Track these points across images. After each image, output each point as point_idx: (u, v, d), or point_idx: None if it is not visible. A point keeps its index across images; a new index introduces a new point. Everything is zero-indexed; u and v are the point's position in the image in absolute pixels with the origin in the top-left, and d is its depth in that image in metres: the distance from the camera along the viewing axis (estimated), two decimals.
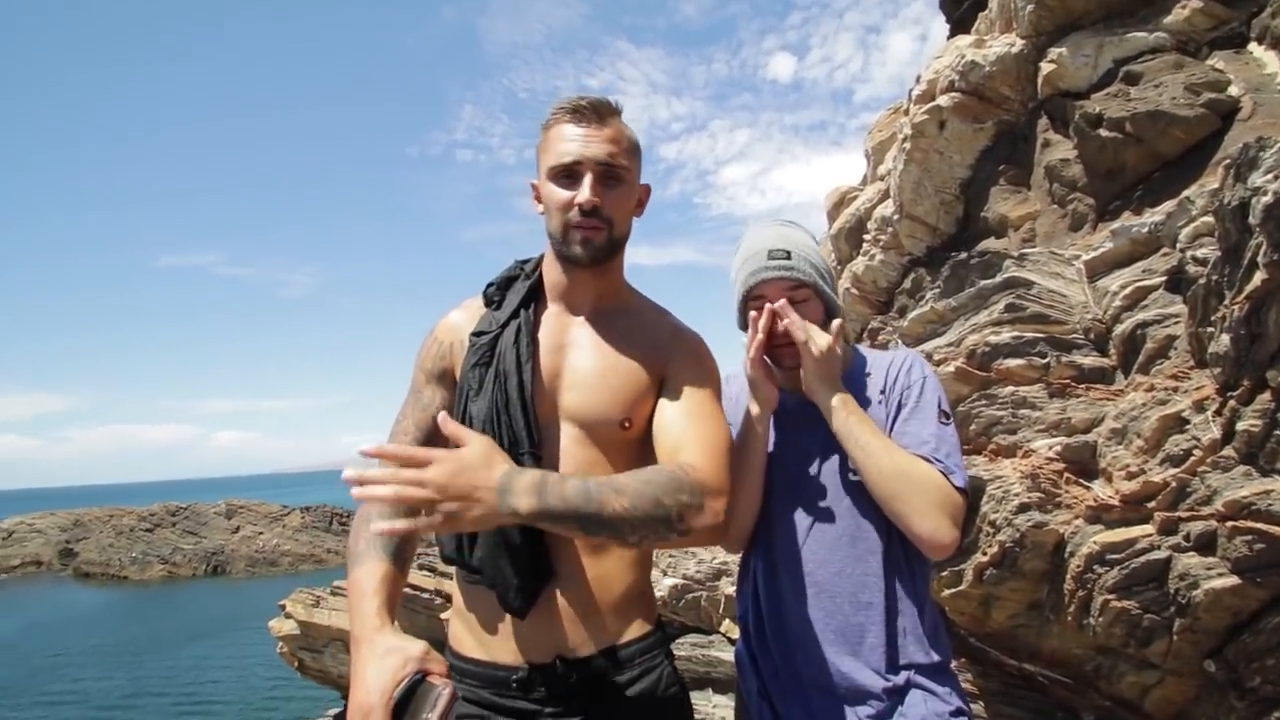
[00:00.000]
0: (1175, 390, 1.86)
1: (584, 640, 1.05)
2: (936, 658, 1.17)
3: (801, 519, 1.23)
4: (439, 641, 1.14)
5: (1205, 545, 1.74)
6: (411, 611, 4.11)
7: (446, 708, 0.84)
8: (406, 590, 4.62)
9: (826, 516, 1.21)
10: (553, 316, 1.17)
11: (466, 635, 1.11)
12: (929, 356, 2.38)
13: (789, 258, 1.24)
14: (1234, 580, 1.69)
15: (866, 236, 3.88)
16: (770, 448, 1.28)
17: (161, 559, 28.66)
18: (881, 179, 3.98)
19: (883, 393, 1.24)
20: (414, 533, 0.87)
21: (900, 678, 1.15)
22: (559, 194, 1.09)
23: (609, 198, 1.10)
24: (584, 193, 1.07)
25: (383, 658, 0.86)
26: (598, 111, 1.11)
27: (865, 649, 1.15)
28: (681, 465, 1.00)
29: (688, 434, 1.07)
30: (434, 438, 1.13)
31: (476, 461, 0.84)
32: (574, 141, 1.09)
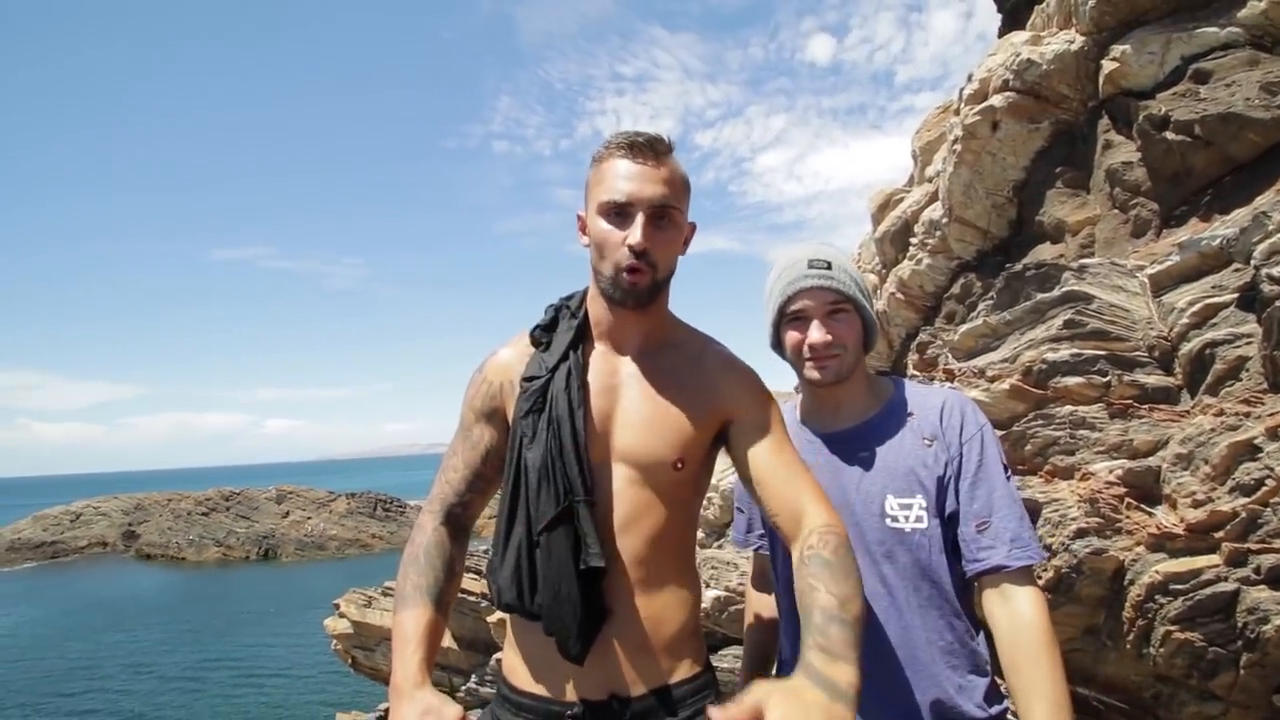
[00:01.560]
0: (1247, 415, 1.79)
1: (637, 679, 1.06)
2: (994, 712, 1.12)
3: None
4: (485, 642, 1.18)
5: (1276, 579, 1.67)
6: (459, 614, 4.22)
7: None
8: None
9: (864, 559, 1.15)
10: (600, 357, 1.16)
11: (521, 668, 1.12)
12: (981, 372, 2.32)
13: (829, 268, 1.20)
14: None
15: (913, 240, 3.79)
16: None
17: (216, 542, 29.97)
18: (929, 180, 3.88)
19: (930, 440, 1.18)
20: None
21: None
22: (610, 232, 1.08)
23: (658, 239, 1.09)
24: (635, 234, 1.06)
25: (421, 716, 0.90)
26: (654, 149, 1.09)
27: (913, 704, 1.11)
28: (833, 528, 1.01)
29: (796, 486, 1.07)
30: (481, 476, 1.18)
31: (793, 706, 0.78)
32: (628, 180, 1.07)
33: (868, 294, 1.26)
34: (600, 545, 1.04)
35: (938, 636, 1.13)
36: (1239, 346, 1.90)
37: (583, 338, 1.17)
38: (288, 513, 30.60)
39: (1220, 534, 1.77)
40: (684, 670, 1.10)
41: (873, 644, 1.14)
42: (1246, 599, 1.71)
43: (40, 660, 16.74)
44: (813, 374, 1.23)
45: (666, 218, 1.09)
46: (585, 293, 1.21)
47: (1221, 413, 1.83)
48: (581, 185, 1.16)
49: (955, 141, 3.41)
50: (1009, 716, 1.16)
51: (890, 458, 1.19)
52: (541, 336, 1.18)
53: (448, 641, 4.21)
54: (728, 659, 3.40)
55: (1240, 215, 2.14)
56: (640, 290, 1.09)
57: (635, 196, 1.06)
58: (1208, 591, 1.77)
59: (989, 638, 1.15)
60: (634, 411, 1.12)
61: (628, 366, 1.16)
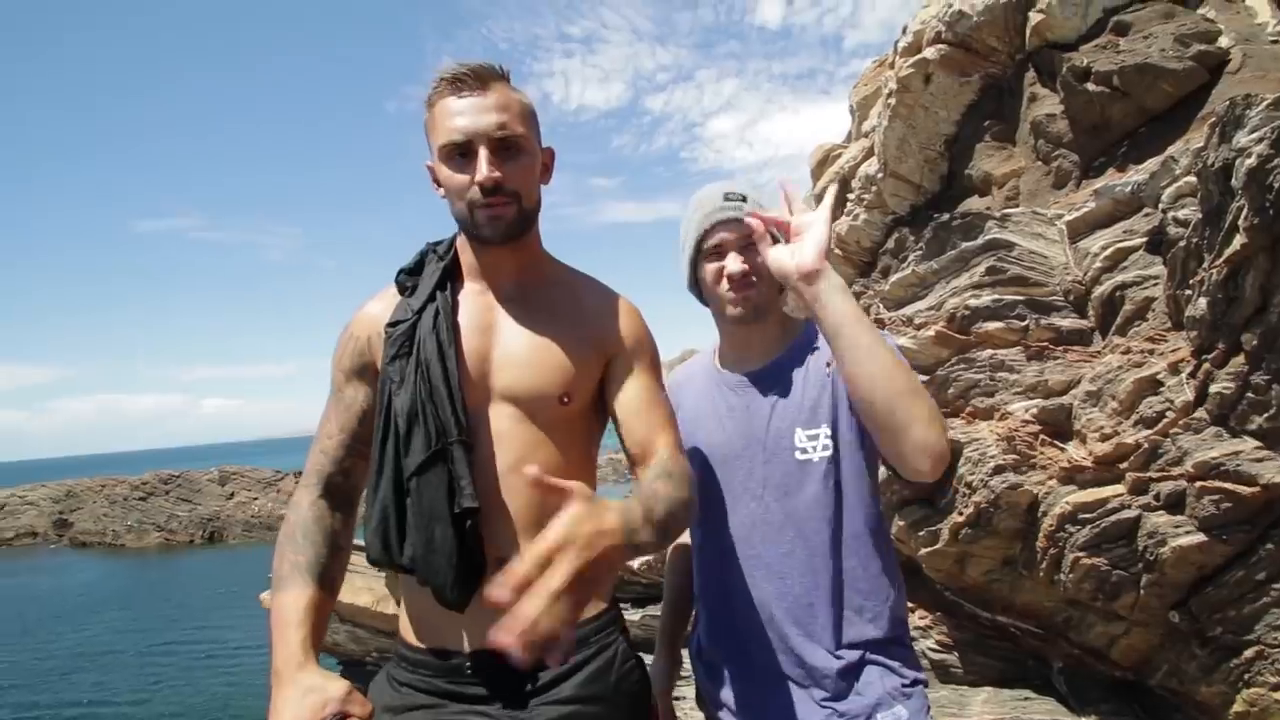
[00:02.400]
0: (1151, 353, 1.87)
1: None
2: (891, 631, 1.15)
3: (748, 500, 1.19)
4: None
5: (1174, 504, 1.77)
6: None
7: None
8: None
9: (774, 494, 1.17)
10: (473, 296, 1.11)
11: (417, 625, 1.08)
12: (909, 320, 2.37)
13: (745, 200, 1.19)
14: (1201, 537, 1.73)
15: (850, 195, 3.83)
16: (715, 422, 1.25)
17: (158, 526, 28.83)
18: (866, 136, 3.91)
19: (829, 365, 1.17)
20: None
21: (854, 655, 1.12)
22: (456, 176, 1.02)
23: (510, 170, 1.02)
24: (481, 170, 0.99)
25: (303, 697, 0.85)
26: (480, 78, 1.02)
27: (818, 628, 1.13)
28: (674, 465, 1.00)
29: (653, 422, 1.06)
30: (359, 438, 1.10)
31: (582, 513, 0.75)
32: (461, 116, 1.01)
33: (779, 230, 1.22)
34: (478, 488, 0.99)
35: (845, 561, 1.15)
36: (1146, 288, 1.98)
37: (452, 278, 1.11)
38: (232, 494, 29.62)
39: (1125, 465, 1.87)
40: (587, 610, 1.03)
41: (780, 571, 1.16)
42: (1147, 524, 1.82)
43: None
44: (733, 310, 1.21)
45: (512, 146, 1.03)
46: (455, 236, 1.15)
47: (1128, 351, 1.91)
48: None
49: (890, 95, 3.43)
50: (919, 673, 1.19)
51: (797, 392, 1.19)
52: (406, 281, 1.11)
53: (392, 608, 4.17)
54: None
55: (1152, 163, 2.22)
56: (506, 222, 1.03)
57: (471, 131, 1.00)
58: (1112, 519, 1.87)
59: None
60: (512, 348, 1.07)
61: (504, 304, 1.10)
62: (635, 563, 3.19)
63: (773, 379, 1.22)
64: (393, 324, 1.06)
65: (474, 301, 1.10)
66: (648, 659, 1.34)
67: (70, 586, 22.29)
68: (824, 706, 1.11)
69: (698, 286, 1.26)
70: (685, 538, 1.45)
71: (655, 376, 1.12)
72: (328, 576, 1.00)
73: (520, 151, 1.03)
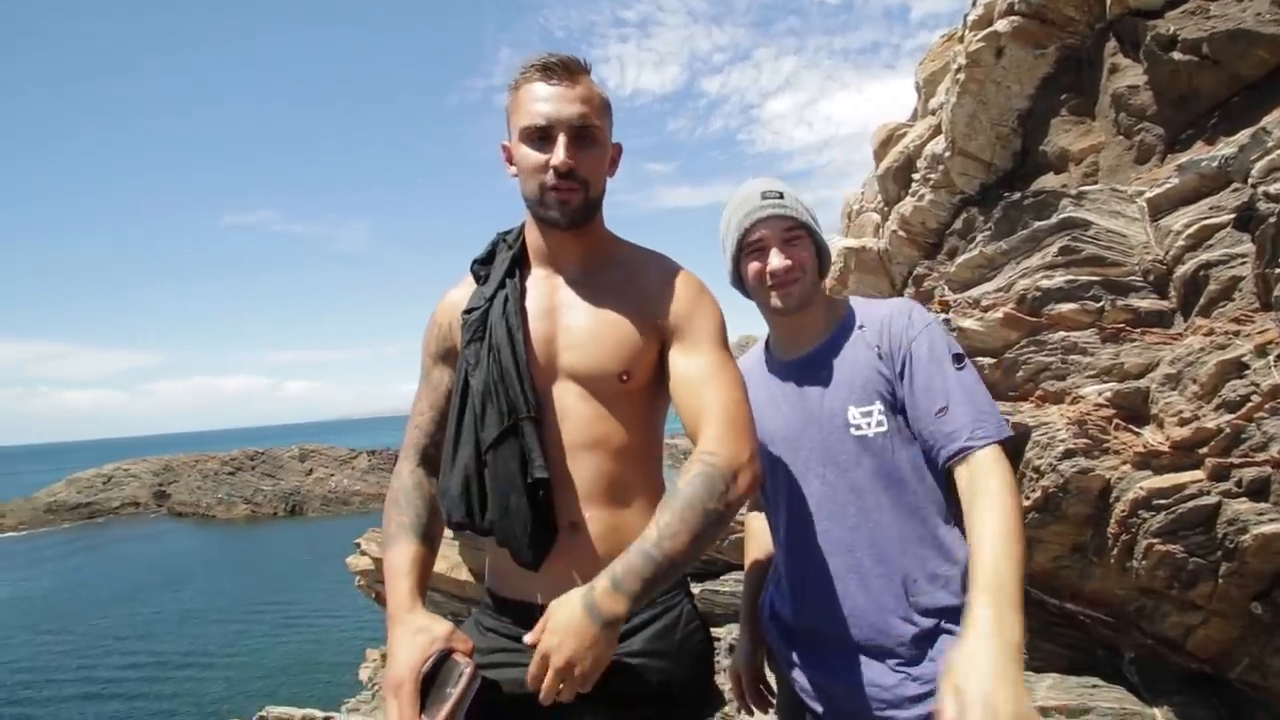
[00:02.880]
0: (1236, 334, 1.80)
1: None
2: (962, 598, 1.12)
3: (811, 479, 1.24)
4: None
5: (1257, 491, 1.71)
6: (475, 550, 4.41)
7: (468, 683, 0.95)
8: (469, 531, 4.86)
9: (834, 471, 1.22)
10: (540, 280, 1.18)
11: (499, 576, 1.18)
12: (976, 302, 2.34)
13: (782, 198, 1.25)
14: None
15: (915, 175, 3.74)
16: (772, 408, 1.30)
17: (245, 500, 30.89)
18: (933, 113, 3.80)
19: (878, 346, 1.22)
20: None
21: (929, 623, 1.15)
22: (533, 156, 1.08)
23: (583, 159, 1.09)
24: (559, 154, 1.06)
25: (413, 636, 0.97)
26: (568, 70, 1.09)
27: (890, 598, 1.16)
28: (705, 459, 1.00)
29: (704, 400, 1.07)
30: (447, 414, 1.19)
31: (561, 618, 0.93)
32: (546, 102, 1.07)
33: (817, 221, 1.30)
34: (548, 460, 1.07)
35: (910, 531, 1.19)
36: (1233, 267, 1.90)
37: (520, 265, 1.19)
38: (311, 470, 31.39)
39: (1205, 450, 1.81)
40: None
41: (849, 544, 1.21)
42: (1227, 511, 1.76)
43: (93, 616, 17.64)
44: (776, 302, 1.27)
45: (588, 136, 1.09)
46: (523, 224, 1.22)
47: (1211, 332, 1.85)
48: None
49: (959, 70, 3.32)
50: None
51: (847, 371, 1.24)
52: (480, 270, 1.20)
53: (465, 575, 4.41)
54: (729, 583, 3.53)
55: (1242, 135, 2.10)
56: (573, 208, 1.10)
57: (554, 118, 1.07)
58: (1190, 505, 1.82)
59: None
60: (575, 328, 1.13)
61: (567, 287, 1.16)
62: None
63: (822, 361, 1.27)
64: (468, 310, 1.17)
65: (540, 286, 1.18)
66: (711, 631, 1.40)
67: (170, 552, 24.20)
68: (897, 671, 1.16)
69: (741, 283, 1.32)
70: (758, 528, 1.51)
71: (713, 349, 1.12)
72: (429, 534, 1.13)
73: (595, 143, 1.11)
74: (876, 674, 1.16)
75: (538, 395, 1.11)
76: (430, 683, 0.95)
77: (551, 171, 1.07)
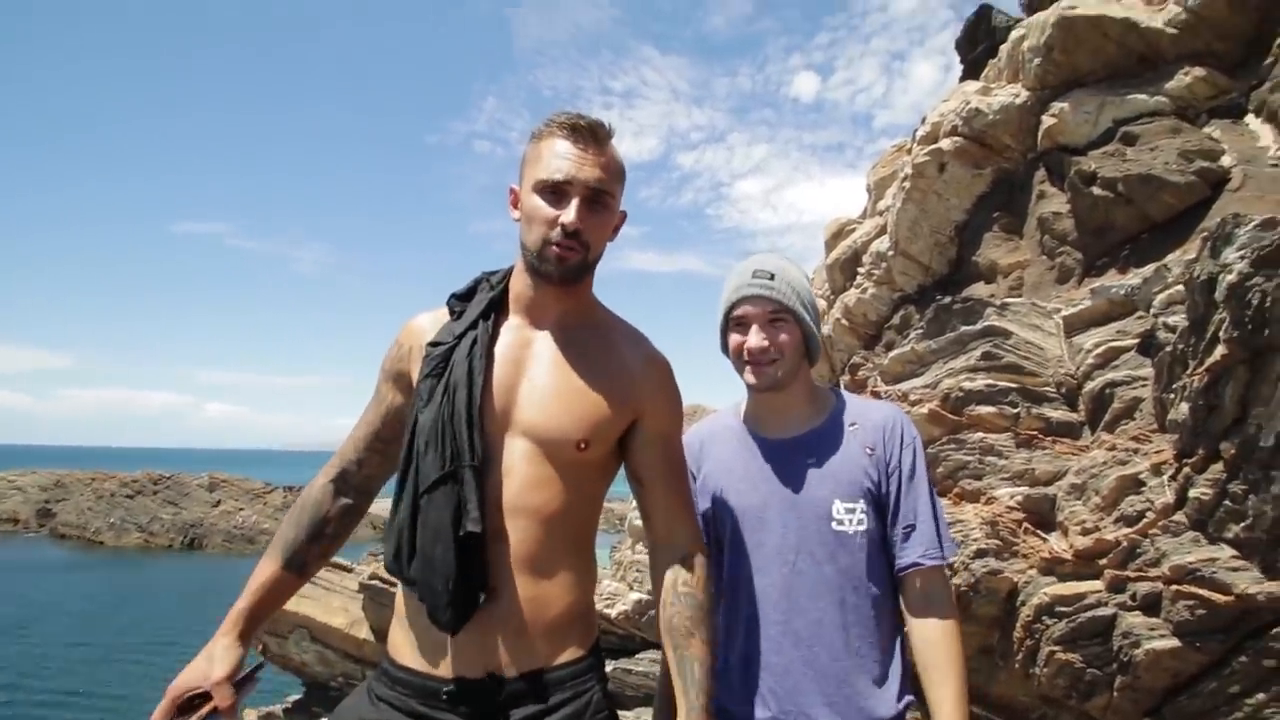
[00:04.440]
0: (1136, 452, 1.90)
1: (516, 660, 1.04)
2: (902, 707, 1.19)
3: (780, 564, 1.23)
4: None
5: (1150, 606, 1.77)
6: (379, 605, 4.13)
7: None
8: (377, 583, 4.59)
9: (807, 561, 1.22)
10: (513, 329, 1.15)
11: (403, 644, 1.10)
12: (904, 396, 2.42)
13: (772, 279, 1.26)
14: (1174, 643, 1.72)
15: (861, 269, 3.93)
16: (748, 483, 1.29)
17: (139, 527, 28.52)
18: (880, 214, 4.04)
19: (871, 450, 1.26)
20: None
21: None
22: (543, 209, 1.08)
23: (591, 222, 1.09)
24: (569, 214, 1.06)
25: (203, 660, 0.99)
26: (594, 133, 1.09)
27: (841, 699, 1.17)
28: (701, 559, 1.14)
29: (676, 502, 1.16)
30: (379, 435, 1.19)
31: None
32: (567, 160, 1.08)
33: (811, 307, 1.31)
34: (484, 515, 1.02)
35: (867, 634, 1.20)
36: (1135, 388, 2.02)
37: (497, 309, 1.17)
38: (219, 501, 29.35)
39: (1104, 561, 1.87)
40: (568, 654, 1.08)
41: (809, 639, 1.20)
42: (1122, 623, 1.81)
43: None
44: (750, 378, 1.29)
45: (601, 202, 1.10)
46: (510, 269, 1.21)
47: (1114, 447, 1.94)
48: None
49: (905, 179, 3.56)
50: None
51: (837, 465, 1.26)
52: (456, 305, 1.17)
53: (365, 633, 4.10)
54: (643, 663, 3.40)
55: (1148, 269, 2.29)
56: (570, 266, 1.09)
57: (573, 177, 1.07)
58: (1089, 615, 1.86)
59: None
60: (540, 385, 1.11)
61: (541, 340, 1.14)
62: (612, 612, 3.15)
63: (809, 448, 1.28)
64: (434, 344, 1.14)
65: (513, 334, 1.15)
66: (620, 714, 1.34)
67: (41, 579, 21.95)
68: None
69: (727, 351, 1.34)
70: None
71: (679, 442, 1.20)
72: (301, 559, 1.10)
73: (605, 209, 1.12)
74: None
75: (485, 445, 1.07)
76: (189, 708, 0.97)
77: (559, 229, 1.07)
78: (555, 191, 1.08)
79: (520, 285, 1.17)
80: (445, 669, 1.04)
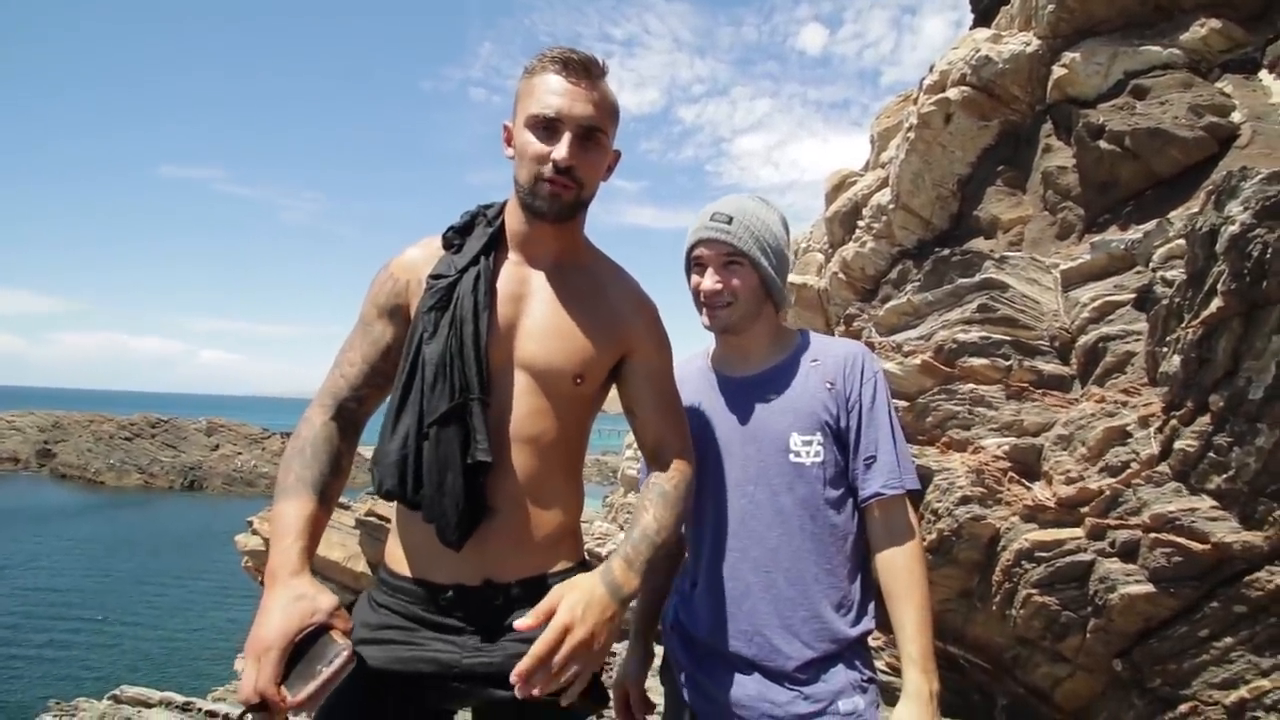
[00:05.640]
0: (1124, 404, 1.92)
1: (513, 568, 1.12)
2: (861, 631, 1.23)
3: (738, 495, 1.27)
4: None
5: (1128, 553, 1.82)
6: (374, 539, 4.22)
7: (342, 666, 0.87)
8: (373, 519, 4.72)
9: (765, 491, 1.25)
10: (512, 266, 1.17)
11: (402, 556, 1.16)
12: (899, 348, 2.42)
13: (729, 223, 1.26)
14: (1149, 588, 1.77)
15: (860, 223, 3.88)
16: (708, 419, 1.32)
17: (139, 468, 28.86)
18: (883, 166, 3.97)
19: (831, 384, 1.27)
20: None
21: (829, 648, 1.20)
22: (535, 145, 1.09)
23: (584, 159, 1.10)
24: (561, 150, 1.07)
25: (294, 602, 0.90)
26: (587, 69, 1.10)
27: (797, 621, 1.21)
28: (682, 467, 1.18)
29: (665, 423, 1.21)
30: (380, 372, 1.16)
31: (579, 596, 0.98)
32: (559, 96, 1.08)
33: (774, 252, 1.31)
34: (489, 444, 1.07)
35: (825, 560, 1.24)
36: (1128, 342, 2.03)
37: (496, 245, 1.18)
38: (217, 446, 29.65)
39: (1086, 509, 1.92)
40: (559, 564, 1.17)
41: (766, 564, 1.24)
42: (1100, 569, 1.86)
43: None
44: (705, 320, 1.32)
45: (593, 139, 1.11)
46: (505, 204, 1.22)
47: (1103, 400, 1.96)
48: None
49: (910, 130, 3.49)
50: (873, 632, 1.27)
51: (794, 399, 1.27)
52: (454, 238, 1.17)
53: (362, 566, 4.23)
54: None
55: (1149, 224, 2.27)
56: (563, 203, 1.11)
57: (565, 113, 1.07)
58: (1067, 560, 1.91)
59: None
60: (539, 322, 1.15)
61: (538, 279, 1.17)
62: (603, 550, 3.23)
63: (771, 383, 1.30)
64: (435, 276, 1.13)
65: (512, 271, 1.17)
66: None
67: (46, 516, 22.29)
68: (790, 689, 1.20)
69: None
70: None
71: (670, 375, 1.24)
72: (328, 494, 1.06)
73: (598, 146, 1.12)
74: (771, 691, 1.20)
75: (491, 378, 1.10)
76: (297, 656, 0.88)
77: (551, 164, 1.08)
78: (547, 127, 1.09)
79: (516, 222, 1.18)
80: (445, 577, 1.11)
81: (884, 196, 3.73)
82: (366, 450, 1.19)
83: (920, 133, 3.40)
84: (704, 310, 1.30)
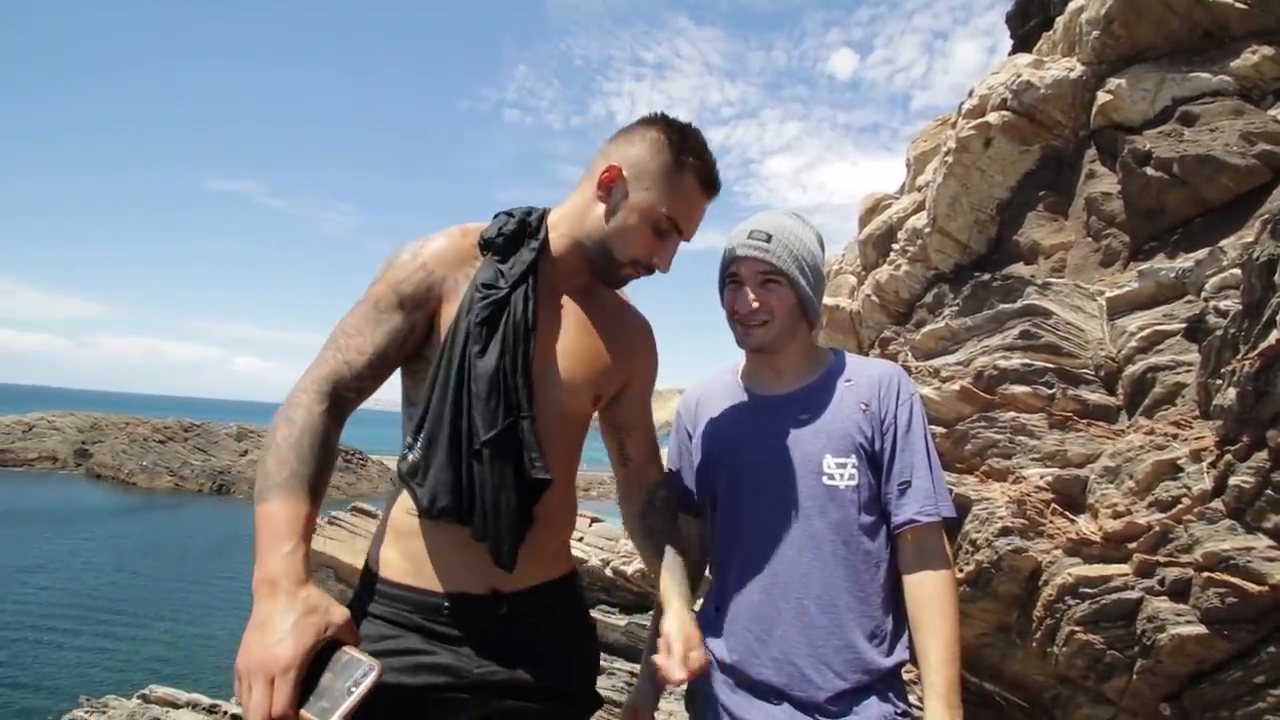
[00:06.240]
0: (1175, 437, 1.86)
1: (520, 578, 1.14)
2: (895, 662, 1.20)
3: (768, 517, 1.24)
4: None
5: (1179, 592, 1.75)
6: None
7: (372, 685, 0.80)
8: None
9: (793, 517, 1.22)
10: (548, 287, 1.18)
11: (401, 562, 1.13)
12: (936, 373, 2.39)
13: (769, 240, 1.24)
14: (1201, 629, 1.70)
15: (895, 246, 3.85)
16: (739, 438, 1.30)
17: (170, 471, 29.52)
18: (919, 190, 3.94)
19: (866, 405, 1.25)
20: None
21: (862, 679, 1.17)
22: (646, 237, 1.17)
23: (665, 263, 1.21)
24: (665, 263, 1.19)
25: (306, 615, 0.82)
26: (715, 194, 1.22)
27: (829, 651, 1.17)
28: (663, 486, 1.35)
29: (652, 448, 1.35)
30: (390, 364, 1.10)
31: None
32: (694, 215, 1.19)
33: (812, 271, 1.29)
34: (544, 457, 1.09)
35: (858, 588, 1.21)
36: (1179, 373, 1.97)
37: (539, 261, 1.17)
38: (246, 451, 30.20)
39: (1134, 545, 1.85)
40: (557, 571, 1.23)
41: (797, 591, 1.21)
42: (1148, 607, 1.80)
43: None
44: (740, 341, 1.31)
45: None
46: (544, 214, 1.20)
47: (1152, 432, 1.91)
48: (585, 163, 1.23)
49: (948, 154, 3.46)
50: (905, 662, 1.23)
51: (828, 420, 1.25)
52: (502, 245, 1.13)
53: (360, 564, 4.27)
54: (649, 616, 3.47)
55: (1200, 252, 2.22)
56: (620, 281, 1.24)
57: (685, 229, 1.19)
58: (1114, 597, 1.85)
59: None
60: (570, 344, 1.19)
61: (570, 301, 1.23)
62: (629, 569, 3.22)
63: (804, 403, 1.28)
64: (487, 285, 1.09)
65: (549, 292, 1.19)
66: (632, 666, 1.44)
67: (80, 514, 22.87)
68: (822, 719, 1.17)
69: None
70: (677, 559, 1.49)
71: (650, 399, 1.36)
72: (319, 495, 0.98)
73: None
74: None
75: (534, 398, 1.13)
76: (308, 674, 0.80)
77: (644, 265, 1.19)
78: (663, 230, 1.17)
79: (559, 245, 1.21)
80: (450, 586, 1.10)
81: (920, 220, 3.69)
82: (390, 460, 1.18)
83: (959, 156, 3.37)
84: (738, 328, 1.30)
